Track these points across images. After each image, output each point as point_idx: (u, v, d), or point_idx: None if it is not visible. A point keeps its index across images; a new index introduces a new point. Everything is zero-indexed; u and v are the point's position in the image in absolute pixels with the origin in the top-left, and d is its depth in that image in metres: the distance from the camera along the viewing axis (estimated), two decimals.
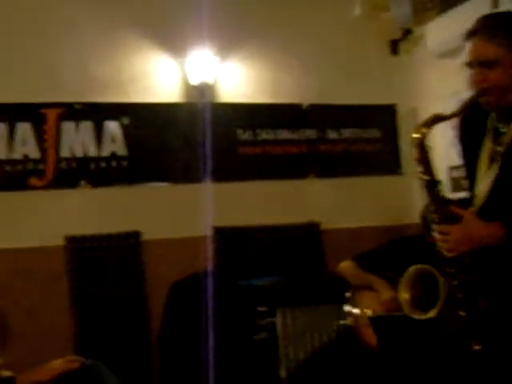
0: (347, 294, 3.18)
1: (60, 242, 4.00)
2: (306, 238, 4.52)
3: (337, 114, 4.75)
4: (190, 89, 4.37)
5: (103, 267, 4.07)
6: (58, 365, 2.54)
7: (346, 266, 3.35)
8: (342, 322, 3.35)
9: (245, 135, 4.50)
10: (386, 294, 2.81)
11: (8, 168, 3.98)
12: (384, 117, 4.86)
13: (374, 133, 4.82)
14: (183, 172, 4.27)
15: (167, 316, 3.98)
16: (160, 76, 4.33)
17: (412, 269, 2.21)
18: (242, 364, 3.74)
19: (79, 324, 3.99)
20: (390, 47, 4.87)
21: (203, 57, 4.34)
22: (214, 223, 4.26)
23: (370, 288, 3.12)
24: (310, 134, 4.66)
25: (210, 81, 4.40)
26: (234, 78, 4.51)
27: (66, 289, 4.00)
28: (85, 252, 4.03)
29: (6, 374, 2.88)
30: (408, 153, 4.67)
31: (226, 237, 4.34)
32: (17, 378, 2.50)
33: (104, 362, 2.73)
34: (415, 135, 2.08)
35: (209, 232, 4.24)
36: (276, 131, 4.57)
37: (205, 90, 4.35)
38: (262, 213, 4.44)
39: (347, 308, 3.15)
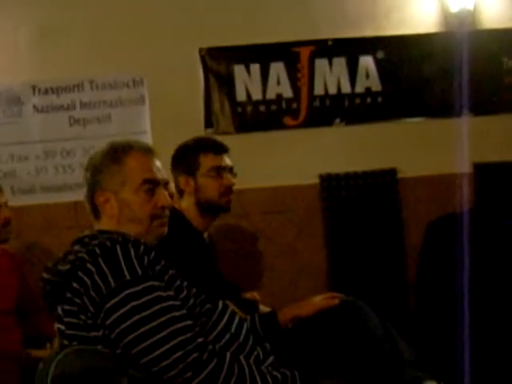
0: None
1: (314, 180, 3.87)
2: None
3: None
4: (448, 17, 3.95)
5: (358, 205, 3.89)
6: (318, 300, 2.40)
7: None
8: None
9: None
10: None
11: (262, 108, 3.91)
12: None
13: None
14: (441, 106, 3.93)
15: (424, 256, 3.74)
16: (416, 5, 3.97)
17: None
18: (504, 305, 3.44)
19: (333, 262, 3.86)
20: None
21: None
22: (475, 159, 3.88)
23: None
24: None
25: (470, 6, 3.92)
26: (498, 0, 4.01)
27: (321, 227, 3.88)
28: (339, 190, 3.86)
29: (266, 309, 2.82)
30: None
31: (487, 173, 3.93)
32: (278, 312, 2.40)
33: None
34: None
35: (468, 169, 3.89)
36: None
37: (465, 16, 3.91)
38: None
39: None
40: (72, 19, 3.87)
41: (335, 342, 2.23)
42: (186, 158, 2.91)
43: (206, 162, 2.87)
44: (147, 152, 2.20)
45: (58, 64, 3.88)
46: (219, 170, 2.88)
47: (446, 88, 3.93)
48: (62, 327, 2.05)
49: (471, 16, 3.99)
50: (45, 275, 2.10)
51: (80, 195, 3.67)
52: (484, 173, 3.98)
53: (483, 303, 3.44)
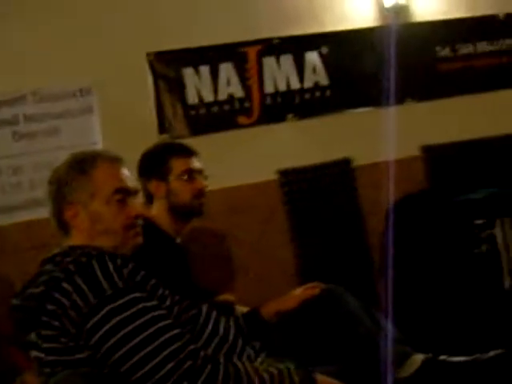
0: None
1: (274, 176, 3.59)
2: None
3: None
4: (383, 11, 3.77)
5: (318, 197, 3.65)
6: (299, 292, 2.24)
7: None
8: None
9: (444, 52, 3.86)
10: None
11: (215, 109, 3.58)
12: None
13: None
14: (385, 95, 3.57)
15: (386, 240, 3.38)
16: (353, 1, 3.76)
17: None
18: (465, 278, 3.28)
19: (300, 254, 3.60)
20: None
21: None
22: (422, 142, 3.76)
23: None
24: (510, 43, 3.96)
25: (402, 1, 3.76)
26: None
27: (285, 221, 3.60)
28: (299, 183, 3.61)
29: (243, 309, 2.53)
30: None
31: (435, 155, 3.78)
32: (261, 309, 2.20)
33: None
34: None
35: (418, 152, 3.75)
36: (475, 44, 3.91)
37: (399, 10, 3.75)
38: (468, 127, 3.81)
39: None
40: (9, 28, 3.36)
41: (322, 330, 2.10)
42: (156, 162, 2.60)
43: (178, 165, 2.58)
44: (115, 161, 1.93)
45: None
46: (191, 173, 2.60)
47: (387, 78, 3.70)
48: (41, 354, 1.74)
49: (404, 10, 3.82)
50: (14, 301, 1.76)
51: (32, 214, 3.26)
52: (432, 154, 3.82)
53: (442, 279, 3.30)
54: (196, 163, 2.63)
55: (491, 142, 3.87)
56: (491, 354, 2.14)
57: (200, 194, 2.61)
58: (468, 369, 2.13)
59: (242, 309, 2.66)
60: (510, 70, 4.01)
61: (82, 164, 1.88)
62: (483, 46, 3.97)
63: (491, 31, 3.98)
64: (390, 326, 2.18)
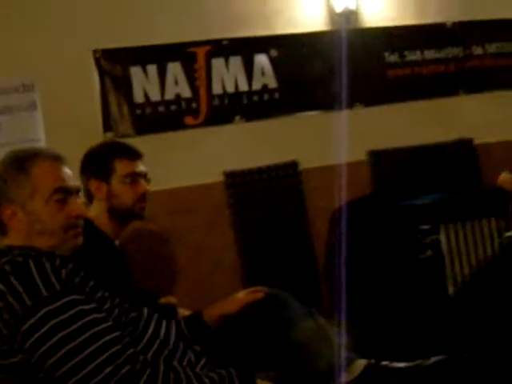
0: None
1: (219, 177, 3.53)
2: (459, 155, 3.94)
3: (481, 29, 4.06)
4: (334, 16, 3.76)
5: (264, 199, 3.62)
6: (242, 296, 2.20)
7: (506, 178, 3.15)
8: (507, 235, 3.25)
9: (392, 58, 3.89)
10: None
11: (162, 109, 3.50)
12: None
13: None
14: (333, 99, 3.69)
15: (331, 243, 3.51)
16: (303, 5, 3.75)
17: None
18: (409, 283, 3.33)
19: (244, 257, 3.56)
20: None
21: None
22: (369, 147, 3.77)
23: None
24: (456, 51, 4.03)
25: (352, 7, 3.75)
26: (377, 1, 3.87)
27: (229, 223, 3.54)
28: (245, 186, 3.56)
29: (185, 312, 2.48)
30: None
31: (381, 160, 3.81)
32: (203, 312, 2.14)
33: None
34: None
35: (364, 156, 3.77)
36: (423, 52, 3.96)
37: (349, 16, 3.74)
38: (414, 133, 3.85)
39: None
40: None
41: (264, 334, 2.09)
42: (99, 162, 2.50)
43: (121, 167, 2.50)
44: (56, 159, 1.87)
45: None
46: (134, 177, 2.51)
47: (336, 82, 3.69)
48: None
49: (354, 15, 3.81)
50: None
51: None
52: (378, 159, 3.84)
53: (386, 283, 3.35)
54: (141, 167, 2.55)
55: (437, 148, 3.92)
56: (432, 360, 2.13)
57: (142, 198, 2.53)
58: (409, 374, 2.12)
59: (184, 312, 2.62)
60: (455, 78, 4.07)
61: (22, 162, 1.82)
62: (431, 54, 4.01)
63: (439, 39, 4.03)
64: (334, 331, 2.18)
